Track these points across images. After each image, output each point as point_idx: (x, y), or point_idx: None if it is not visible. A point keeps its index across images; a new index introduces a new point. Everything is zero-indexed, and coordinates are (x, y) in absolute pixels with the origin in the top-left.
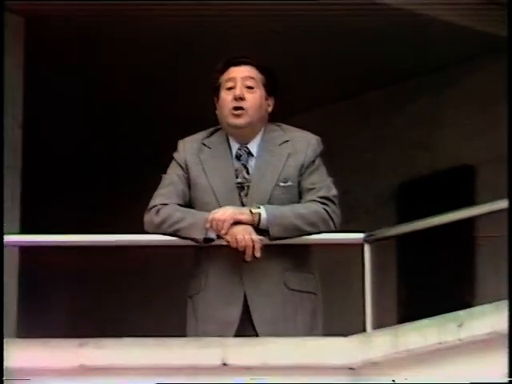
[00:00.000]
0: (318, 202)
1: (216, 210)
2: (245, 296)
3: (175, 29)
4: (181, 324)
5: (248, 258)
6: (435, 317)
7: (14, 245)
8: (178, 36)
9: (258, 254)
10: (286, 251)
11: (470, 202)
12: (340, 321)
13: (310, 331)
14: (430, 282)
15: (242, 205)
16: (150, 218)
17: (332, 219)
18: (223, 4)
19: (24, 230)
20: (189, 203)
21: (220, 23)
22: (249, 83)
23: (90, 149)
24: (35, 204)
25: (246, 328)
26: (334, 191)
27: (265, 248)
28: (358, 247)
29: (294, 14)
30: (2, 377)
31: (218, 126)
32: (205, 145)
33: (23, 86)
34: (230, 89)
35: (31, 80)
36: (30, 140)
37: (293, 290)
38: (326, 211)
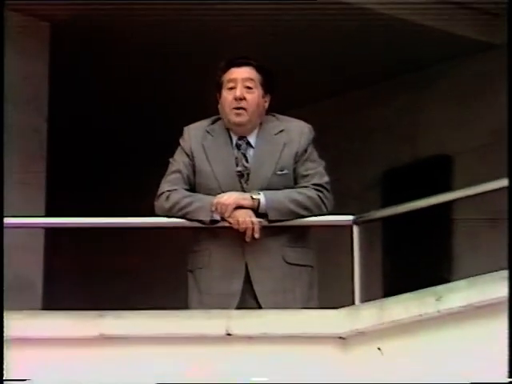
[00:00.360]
0: (312, 188)
1: (221, 195)
2: (246, 270)
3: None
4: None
5: (248, 238)
6: (416, 291)
7: (13, 227)
8: (188, 36)
9: (256, 235)
10: (284, 229)
11: (448, 189)
12: (331, 294)
13: (307, 302)
14: (412, 260)
15: (243, 191)
16: (160, 203)
17: (324, 204)
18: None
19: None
20: (193, 188)
21: (219, 23)
22: (248, 84)
23: (109, 140)
24: (59, 191)
25: (248, 299)
26: (326, 178)
27: (264, 226)
28: (347, 228)
29: (283, 16)
30: (2, 377)
31: (220, 116)
32: (208, 132)
33: (48, 83)
34: (231, 89)
35: (56, 78)
36: (54, 133)
37: (291, 263)
38: (319, 197)
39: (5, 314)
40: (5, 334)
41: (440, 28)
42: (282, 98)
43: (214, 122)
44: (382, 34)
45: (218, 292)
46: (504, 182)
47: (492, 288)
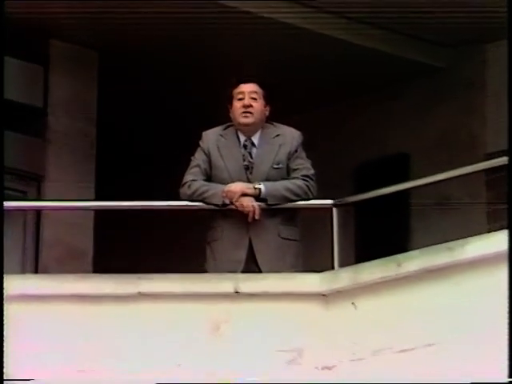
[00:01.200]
0: (301, 179)
1: (230, 185)
2: (250, 243)
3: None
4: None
5: (250, 219)
6: (381, 259)
7: (14, 209)
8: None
9: (257, 217)
10: (279, 211)
11: (406, 179)
12: (315, 261)
13: (294, 268)
14: (378, 235)
15: (248, 181)
16: (184, 190)
17: (310, 191)
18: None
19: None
20: (209, 178)
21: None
22: (253, 96)
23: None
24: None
25: (251, 265)
26: (312, 171)
27: (264, 209)
28: (328, 210)
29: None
30: (2, 377)
31: (231, 123)
32: (221, 135)
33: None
34: (240, 99)
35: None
36: (102, 136)
37: (283, 238)
38: (307, 186)
39: (64, 277)
40: (63, 292)
41: (398, 54)
42: (281, 106)
43: (226, 128)
44: (355, 59)
45: (228, 259)
46: (453, 173)
47: (440, 256)
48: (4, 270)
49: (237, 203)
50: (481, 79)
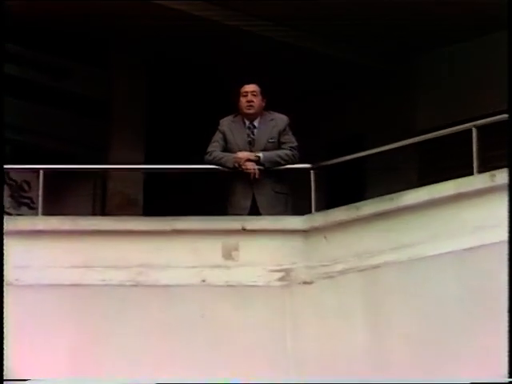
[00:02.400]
0: (288, 149)
1: (238, 153)
2: (253, 196)
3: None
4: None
5: (252, 177)
6: (345, 206)
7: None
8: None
9: (257, 177)
10: (273, 172)
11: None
12: (299, 209)
13: (284, 212)
14: (343, 189)
15: (251, 151)
16: (207, 157)
17: (295, 157)
18: None
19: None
20: (224, 150)
21: None
22: (254, 93)
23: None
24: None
25: (254, 211)
26: (295, 144)
27: (262, 171)
28: (308, 172)
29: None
30: (2, 377)
31: (238, 113)
32: (232, 121)
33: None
34: (244, 96)
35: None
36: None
37: (276, 192)
38: (292, 154)
39: (122, 218)
40: (121, 229)
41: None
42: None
43: (235, 116)
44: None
45: (239, 207)
46: (389, 146)
47: (386, 203)
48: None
49: (243, 166)
50: (417, 79)
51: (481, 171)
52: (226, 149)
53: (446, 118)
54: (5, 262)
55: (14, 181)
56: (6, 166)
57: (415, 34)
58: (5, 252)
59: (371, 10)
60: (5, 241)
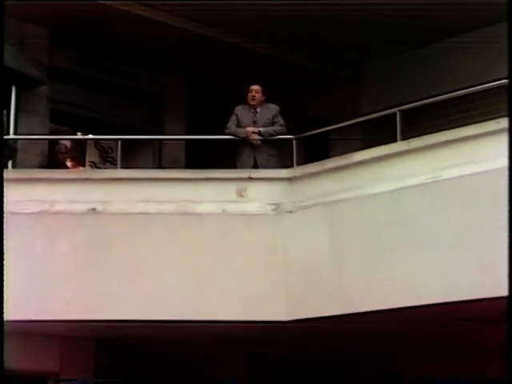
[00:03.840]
0: (279, 126)
1: (247, 128)
2: (255, 157)
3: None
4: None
5: (255, 145)
6: (317, 162)
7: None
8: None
9: (258, 143)
10: (269, 141)
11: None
12: (285, 164)
13: (276, 168)
14: (315, 153)
15: (254, 127)
16: (226, 131)
17: (283, 132)
18: None
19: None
20: (237, 126)
21: None
22: (256, 91)
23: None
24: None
25: (255, 167)
26: (283, 123)
27: (262, 140)
28: (291, 141)
29: None
30: (3, 375)
31: (247, 102)
32: (243, 108)
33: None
34: (250, 92)
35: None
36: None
37: (270, 155)
38: (281, 129)
39: (169, 170)
40: (168, 176)
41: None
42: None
43: (245, 105)
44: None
45: (246, 164)
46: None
47: (343, 160)
48: (144, 167)
49: (250, 137)
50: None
51: (402, 140)
52: (238, 125)
53: (383, 104)
54: (98, 197)
55: (102, 146)
56: (96, 136)
57: (363, 45)
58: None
59: (328, 29)
60: (98, 184)
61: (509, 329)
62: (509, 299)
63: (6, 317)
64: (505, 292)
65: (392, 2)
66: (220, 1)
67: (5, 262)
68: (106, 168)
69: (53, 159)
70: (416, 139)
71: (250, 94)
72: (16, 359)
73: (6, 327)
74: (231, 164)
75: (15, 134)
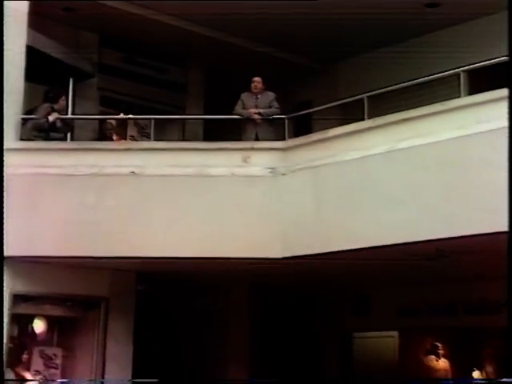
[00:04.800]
0: (275, 108)
1: (250, 109)
2: (256, 132)
3: None
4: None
5: (256, 122)
6: (304, 136)
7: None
8: None
9: (258, 121)
10: (267, 120)
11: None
12: (279, 138)
13: (273, 140)
14: (303, 129)
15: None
16: (234, 112)
17: (278, 113)
18: None
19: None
20: (242, 109)
21: None
22: (258, 81)
23: None
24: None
25: (256, 140)
26: (277, 106)
27: (262, 119)
28: (283, 120)
29: None
30: (3, 377)
31: (250, 90)
32: (247, 95)
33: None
34: (253, 82)
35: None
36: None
37: (268, 131)
38: (276, 111)
39: (191, 142)
40: (189, 147)
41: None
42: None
43: (248, 92)
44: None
45: (249, 138)
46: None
47: (321, 135)
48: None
49: (252, 116)
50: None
51: (368, 118)
52: (243, 108)
53: (355, 91)
54: (137, 163)
55: (139, 124)
56: (134, 116)
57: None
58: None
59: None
60: (136, 153)
61: (508, 328)
62: (508, 297)
63: (70, 253)
64: (441, 235)
65: (363, 11)
66: (227, 11)
67: (65, 212)
68: (142, 140)
69: (102, 134)
70: (378, 118)
71: (252, 84)
72: (77, 287)
73: (70, 262)
74: (238, 137)
75: (72, 114)
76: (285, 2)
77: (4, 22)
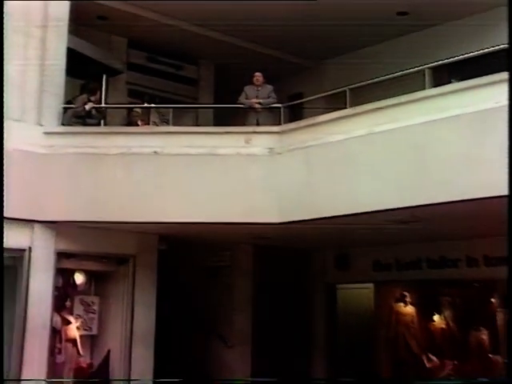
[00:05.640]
0: (272, 99)
1: (252, 100)
2: (257, 118)
3: None
4: None
5: (257, 110)
6: (299, 121)
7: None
8: None
9: (259, 110)
10: (266, 109)
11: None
12: (276, 124)
13: (271, 125)
14: (295, 115)
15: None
16: (238, 101)
17: (275, 102)
18: None
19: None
20: (245, 99)
21: None
22: (259, 76)
23: None
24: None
25: (257, 125)
26: (275, 96)
27: (262, 108)
28: (279, 108)
29: None
30: (3, 377)
31: (253, 83)
32: (249, 87)
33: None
34: (254, 77)
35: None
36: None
37: (267, 117)
38: (274, 101)
39: (205, 126)
40: (203, 131)
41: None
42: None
43: (251, 85)
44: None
45: (251, 124)
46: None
47: (311, 120)
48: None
49: (253, 105)
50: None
51: (350, 107)
52: (246, 98)
53: (339, 85)
54: (158, 144)
55: (160, 112)
56: (156, 105)
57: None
58: (158, 140)
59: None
60: (158, 135)
61: (508, 328)
62: (508, 296)
63: (104, 219)
64: (410, 204)
65: (346, 17)
66: (233, 18)
67: (99, 186)
68: (162, 125)
69: (129, 120)
70: (358, 107)
71: (254, 78)
72: (110, 246)
73: (104, 226)
74: (242, 123)
75: (105, 104)
76: (282, 9)
77: (47, 29)
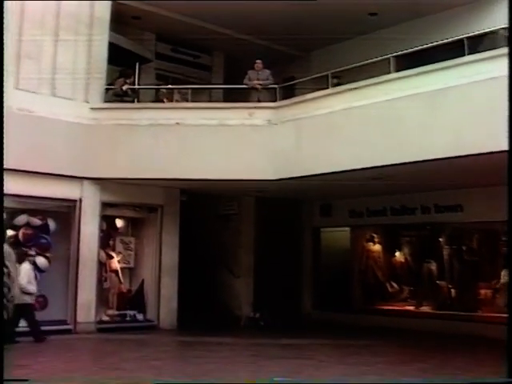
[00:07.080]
0: (270, 81)
1: (254, 81)
2: (258, 96)
3: None
4: None
5: (257, 89)
6: (291, 98)
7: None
8: None
9: (260, 89)
10: (265, 88)
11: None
12: (273, 100)
13: (269, 102)
14: (290, 93)
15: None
16: (243, 82)
17: (272, 83)
18: None
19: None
20: (248, 80)
21: None
22: (259, 63)
23: None
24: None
25: (259, 101)
26: (272, 78)
27: (262, 89)
28: (275, 89)
29: None
30: (2, 377)
31: (254, 68)
32: (251, 71)
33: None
34: (255, 63)
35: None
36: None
37: (265, 95)
38: (271, 82)
39: (216, 103)
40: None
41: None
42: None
43: (252, 69)
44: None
45: (253, 100)
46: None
47: (302, 97)
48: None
49: (255, 85)
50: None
51: (332, 87)
52: (249, 80)
53: (324, 70)
54: (180, 116)
55: (181, 92)
56: (178, 86)
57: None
58: (179, 113)
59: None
60: (185, 110)
61: (508, 328)
62: (509, 295)
63: (138, 176)
64: (379, 164)
65: (329, 15)
66: (241, 15)
67: (133, 150)
68: (183, 102)
69: (157, 98)
70: (338, 87)
71: (255, 64)
72: (143, 198)
73: (138, 182)
74: (246, 100)
75: (138, 85)
76: (280, 9)
77: (93, 27)
